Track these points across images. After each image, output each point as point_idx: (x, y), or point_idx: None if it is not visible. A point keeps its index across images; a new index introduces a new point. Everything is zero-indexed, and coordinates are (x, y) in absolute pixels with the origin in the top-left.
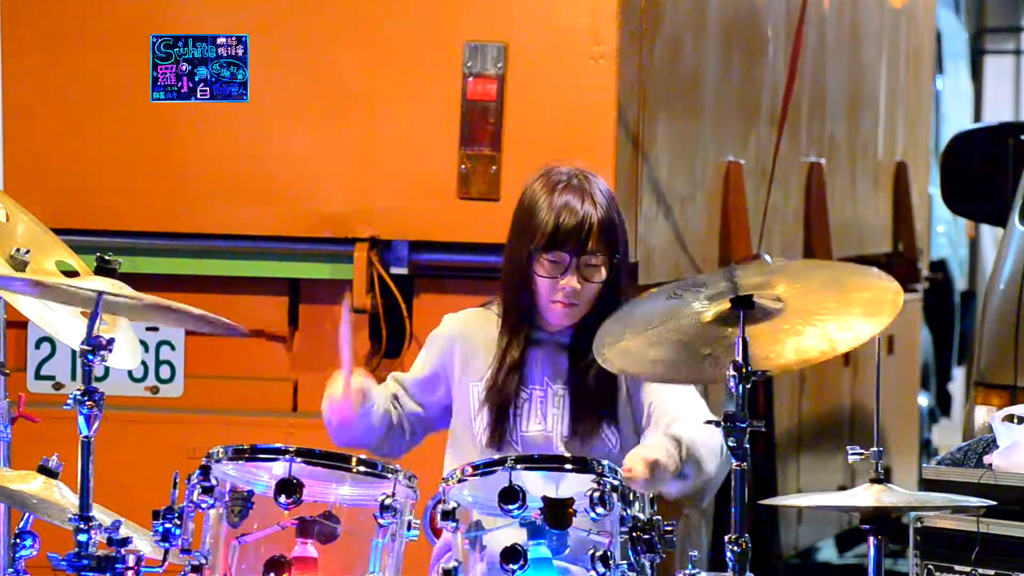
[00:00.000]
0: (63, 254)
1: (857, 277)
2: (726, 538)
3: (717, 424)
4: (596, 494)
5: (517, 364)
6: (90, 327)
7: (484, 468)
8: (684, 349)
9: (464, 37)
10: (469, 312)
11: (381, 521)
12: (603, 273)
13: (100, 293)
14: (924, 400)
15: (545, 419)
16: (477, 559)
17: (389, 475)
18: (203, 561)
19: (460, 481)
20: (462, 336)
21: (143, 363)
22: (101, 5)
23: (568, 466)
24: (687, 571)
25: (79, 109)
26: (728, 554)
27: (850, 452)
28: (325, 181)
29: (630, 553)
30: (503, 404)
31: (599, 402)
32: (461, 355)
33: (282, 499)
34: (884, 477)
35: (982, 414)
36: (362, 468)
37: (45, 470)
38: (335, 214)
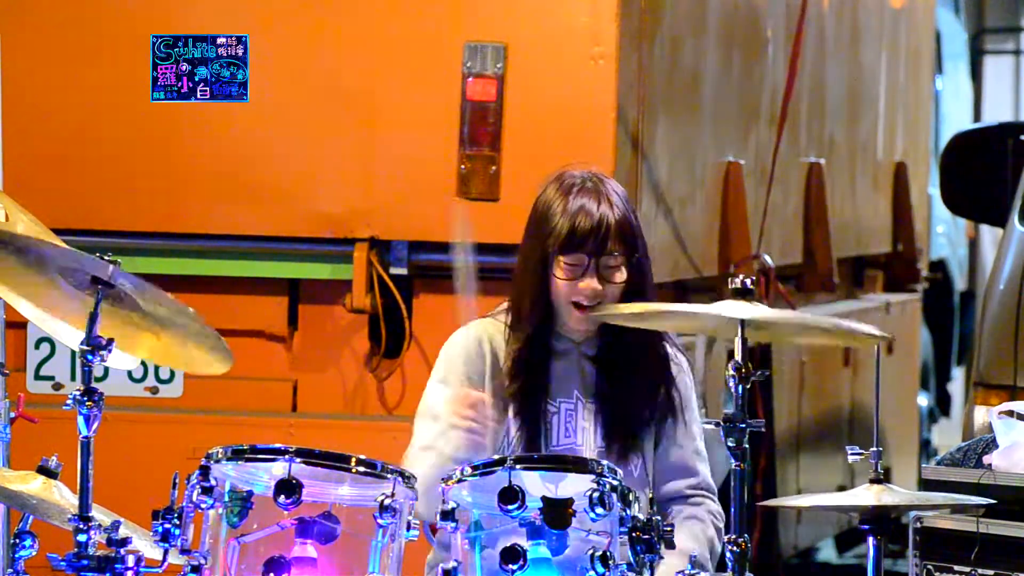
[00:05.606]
0: None
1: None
2: (726, 538)
3: (717, 424)
4: (596, 494)
5: (539, 373)
6: (90, 327)
7: (484, 468)
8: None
9: (464, 37)
10: (479, 322)
11: (380, 521)
12: (623, 274)
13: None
14: (924, 400)
15: (575, 433)
16: (477, 559)
17: (388, 475)
18: (203, 561)
19: (460, 481)
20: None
21: (143, 363)
22: (101, 5)
23: (568, 466)
24: (687, 571)
25: (79, 109)
26: (728, 554)
27: (850, 452)
28: (325, 181)
29: (630, 553)
30: (534, 416)
31: (633, 418)
32: (488, 366)
33: (281, 499)
34: (884, 477)
35: (982, 414)
36: (361, 468)
37: (45, 470)
38: (335, 214)
